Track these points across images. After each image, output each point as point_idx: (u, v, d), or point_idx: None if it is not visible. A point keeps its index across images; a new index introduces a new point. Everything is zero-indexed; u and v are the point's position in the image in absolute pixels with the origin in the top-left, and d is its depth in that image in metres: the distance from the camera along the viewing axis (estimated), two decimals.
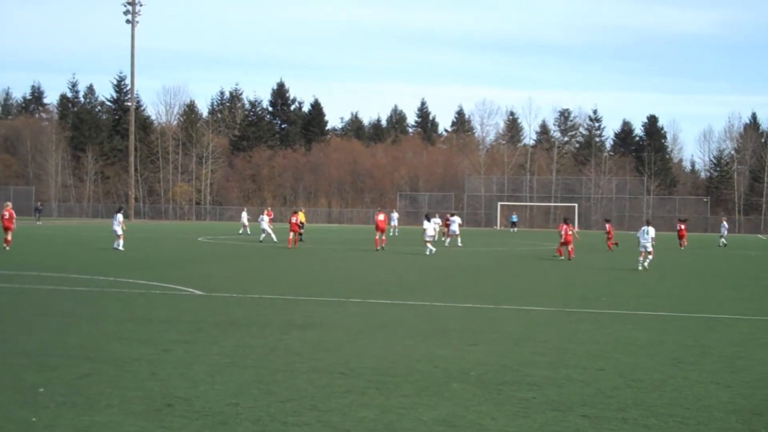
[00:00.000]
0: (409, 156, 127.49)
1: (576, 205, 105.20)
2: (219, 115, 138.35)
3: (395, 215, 67.10)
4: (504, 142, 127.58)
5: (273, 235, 50.28)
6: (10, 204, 39.62)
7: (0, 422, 8.50)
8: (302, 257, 36.96)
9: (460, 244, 49.09)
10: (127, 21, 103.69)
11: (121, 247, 38.04)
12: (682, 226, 52.26)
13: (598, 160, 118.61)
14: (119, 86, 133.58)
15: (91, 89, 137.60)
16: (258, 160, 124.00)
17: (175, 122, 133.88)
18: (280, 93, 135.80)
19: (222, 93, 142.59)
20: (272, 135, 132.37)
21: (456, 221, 50.84)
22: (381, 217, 43.99)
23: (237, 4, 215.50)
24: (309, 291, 22.12)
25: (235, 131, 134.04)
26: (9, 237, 37.65)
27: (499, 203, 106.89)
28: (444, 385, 10.70)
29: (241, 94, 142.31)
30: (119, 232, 38.38)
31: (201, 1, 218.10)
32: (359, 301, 20.02)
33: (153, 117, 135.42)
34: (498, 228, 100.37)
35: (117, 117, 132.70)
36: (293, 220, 44.60)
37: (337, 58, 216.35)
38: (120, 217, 39.05)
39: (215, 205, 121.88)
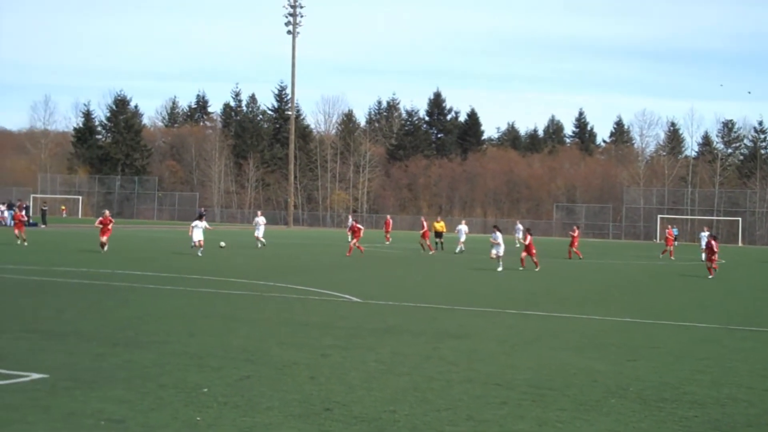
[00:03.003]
0: (566, 167, 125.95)
1: (740, 219, 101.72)
2: (376, 125, 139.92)
3: (520, 227, 65.23)
4: (664, 153, 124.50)
5: (260, 242, 47.63)
6: (107, 212, 40.47)
7: (166, 420, 8.79)
8: (454, 266, 36.94)
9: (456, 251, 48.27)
10: (288, 32, 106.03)
11: (200, 254, 37.33)
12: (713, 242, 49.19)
13: (764, 173, 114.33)
14: (280, 96, 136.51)
15: (253, 98, 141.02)
16: (414, 169, 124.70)
17: (334, 131, 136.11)
18: (436, 102, 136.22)
19: (379, 102, 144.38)
20: (428, 144, 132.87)
21: (462, 230, 50.60)
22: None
23: (394, 15, 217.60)
24: (462, 300, 22.10)
25: (391, 140, 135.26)
26: (103, 240, 38.45)
27: (659, 216, 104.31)
28: (602, 400, 10.51)
29: (398, 103, 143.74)
30: (201, 238, 37.91)
31: (359, 12, 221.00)
32: (513, 312, 19.88)
33: (312, 126, 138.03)
34: (657, 241, 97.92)
35: (278, 126, 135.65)
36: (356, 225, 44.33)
37: (493, 66, 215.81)
38: (203, 223, 39.11)
39: (372, 213, 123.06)
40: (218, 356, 12.57)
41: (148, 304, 19.27)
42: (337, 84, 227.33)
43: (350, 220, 45.07)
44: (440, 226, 50.91)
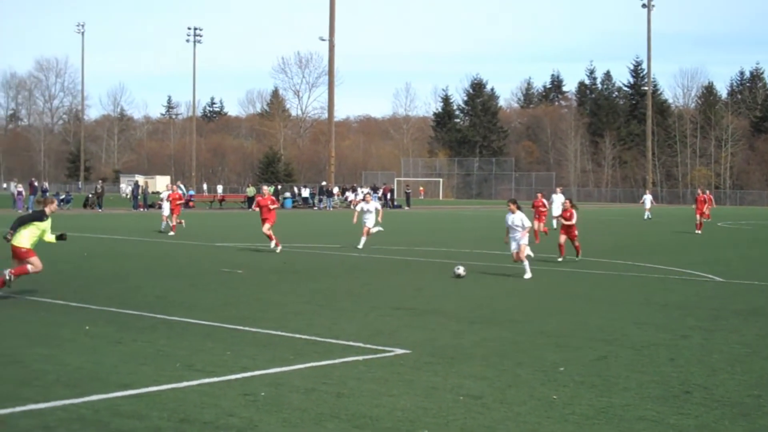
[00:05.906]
0: None
1: None
2: (739, 96, 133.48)
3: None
4: None
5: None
6: (265, 189, 28.71)
7: (523, 398, 8.88)
8: None
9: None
10: (643, 5, 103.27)
11: None
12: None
13: None
14: (636, 71, 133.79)
15: (608, 75, 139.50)
16: None
17: (693, 105, 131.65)
18: None
19: (742, 73, 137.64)
20: None
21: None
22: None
23: None
24: None
25: (756, 112, 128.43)
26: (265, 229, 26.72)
27: None
28: None
29: (762, 73, 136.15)
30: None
31: None
32: None
33: (670, 100, 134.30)
34: None
35: (634, 102, 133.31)
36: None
37: None
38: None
39: (735, 189, 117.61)
40: (575, 335, 12.53)
41: (502, 282, 19.57)
42: (696, 57, 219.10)
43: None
44: None
